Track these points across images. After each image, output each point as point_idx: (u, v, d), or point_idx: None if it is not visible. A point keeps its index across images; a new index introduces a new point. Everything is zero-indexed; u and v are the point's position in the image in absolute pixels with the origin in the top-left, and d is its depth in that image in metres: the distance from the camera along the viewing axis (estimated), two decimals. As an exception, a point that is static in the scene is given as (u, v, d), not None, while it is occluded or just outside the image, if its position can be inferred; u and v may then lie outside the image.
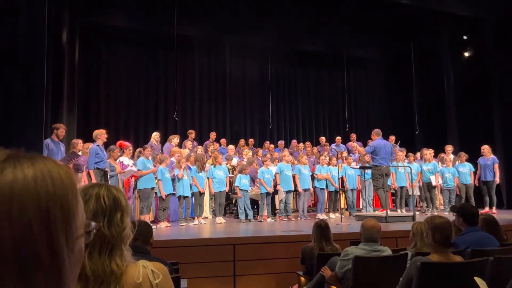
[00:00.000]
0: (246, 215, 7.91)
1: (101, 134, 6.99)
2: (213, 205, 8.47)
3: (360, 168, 8.82)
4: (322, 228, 4.10)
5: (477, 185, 9.04)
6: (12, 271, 0.49)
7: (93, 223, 0.62)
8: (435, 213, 7.93)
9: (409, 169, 8.54)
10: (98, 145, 6.83)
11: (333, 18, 10.65)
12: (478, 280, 2.37)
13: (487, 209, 8.55)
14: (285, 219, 8.06)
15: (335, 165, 8.80)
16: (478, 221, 3.40)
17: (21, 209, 0.50)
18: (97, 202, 1.18)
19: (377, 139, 8.07)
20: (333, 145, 11.09)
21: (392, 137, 10.41)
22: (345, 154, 9.88)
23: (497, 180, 8.90)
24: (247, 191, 7.99)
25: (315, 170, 8.77)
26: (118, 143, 8.01)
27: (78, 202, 0.57)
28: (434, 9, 10.30)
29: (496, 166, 8.90)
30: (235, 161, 9.28)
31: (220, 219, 7.73)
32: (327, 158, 9.00)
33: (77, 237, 0.56)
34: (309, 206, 9.66)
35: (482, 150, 9.05)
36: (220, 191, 7.95)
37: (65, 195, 0.54)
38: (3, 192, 0.50)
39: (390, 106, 13.90)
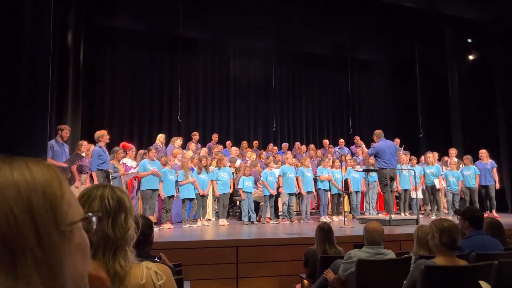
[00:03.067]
0: (249, 218, 7.90)
1: (103, 136, 6.99)
2: (216, 207, 8.47)
3: (364, 170, 8.80)
4: (325, 231, 4.09)
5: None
6: (2, 257, 0.52)
7: (91, 214, 0.63)
8: (442, 216, 7.89)
9: (413, 172, 8.51)
10: (100, 147, 6.84)
11: (338, 20, 10.64)
12: (483, 283, 2.35)
13: (488, 213, 8.50)
14: (288, 222, 8.04)
15: (338, 168, 8.78)
16: (483, 225, 3.39)
17: (1, 198, 0.53)
18: (102, 203, 1.18)
19: (379, 140, 7.99)
20: (336, 148, 11.08)
21: (397, 140, 10.37)
22: (348, 157, 9.86)
23: (497, 185, 8.85)
24: (250, 193, 7.97)
25: (317, 173, 8.76)
26: (121, 144, 8.04)
27: (63, 190, 0.59)
28: (439, 11, 10.28)
29: (495, 170, 8.85)
30: (238, 163, 9.28)
31: (223, 221, 7.73)
32: (330, 161, 8.99)
33: (71, 223, 0.58)
34: (312, 209, 9.64)
35: (480, 154, 9.01)
36: (224, 193, 7.95)
37: (47, 181, 0.57)
38: None
39: (394, 109, 13.86)
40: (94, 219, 0.63)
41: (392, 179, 7.89)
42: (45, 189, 0.56)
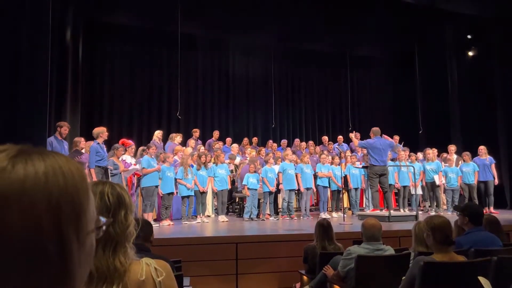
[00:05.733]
0: (251, 214, 7.89)
1: (102, 132, 6.97)
2: (216, 204, 8.48)
3: (363, 167, 8.80)
4: (324, 227, 4.10)
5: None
6: (20, 262, 0.50)
7: (102, 219, 0.62)
8: (441, 213, 7.91)
9: (412, 169, 8.51)
10: (98, 143, 6.81)
11: (337, 17, 10.61)
12: (482, 279, 2.36)
13: (486, 209, 8.52)
14: (288, 218, 8.05)
15: (338, 164, 8.79)
16: (482, 221, 3.40)
17: (32, 203, 0.50)
18: (101, 200, 1.18)
19: (374, 138, 7.97)
20: (335, 145, 11.09)
21: (396, 137, 10.36)
22: (348, 153, 9.86)
23: (497, 181, 8.88)
24: (255, 190, 7.95)
25: (316, 169, 8.76)
26: (120, 141, 8.01)
27: (89, 198, 0.57)
28: (438, 8, 10.25)
29: (493, 166, 8.89)
30: (238, 160, 9.28)
31: (222, 218, 7.74)
32: (329, 157, 8.99)
33: (88, 232, 0.56)
34: (312, 205, 9.65)
35: (479, 151, 9.06)
36: (222, 190, 7.95)
37: (76, 191, 0.55)
38: (14, 188, 0.50)
39: (394, 106, 13.85)
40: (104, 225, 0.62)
41: (383, 175, 7.84)
42: (73, 198, 0.54)
